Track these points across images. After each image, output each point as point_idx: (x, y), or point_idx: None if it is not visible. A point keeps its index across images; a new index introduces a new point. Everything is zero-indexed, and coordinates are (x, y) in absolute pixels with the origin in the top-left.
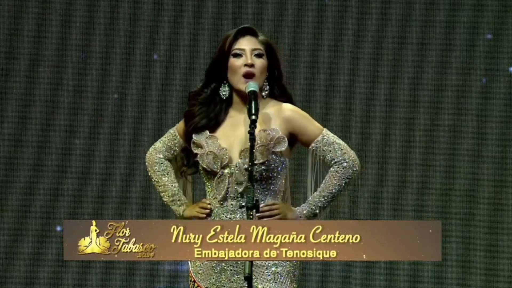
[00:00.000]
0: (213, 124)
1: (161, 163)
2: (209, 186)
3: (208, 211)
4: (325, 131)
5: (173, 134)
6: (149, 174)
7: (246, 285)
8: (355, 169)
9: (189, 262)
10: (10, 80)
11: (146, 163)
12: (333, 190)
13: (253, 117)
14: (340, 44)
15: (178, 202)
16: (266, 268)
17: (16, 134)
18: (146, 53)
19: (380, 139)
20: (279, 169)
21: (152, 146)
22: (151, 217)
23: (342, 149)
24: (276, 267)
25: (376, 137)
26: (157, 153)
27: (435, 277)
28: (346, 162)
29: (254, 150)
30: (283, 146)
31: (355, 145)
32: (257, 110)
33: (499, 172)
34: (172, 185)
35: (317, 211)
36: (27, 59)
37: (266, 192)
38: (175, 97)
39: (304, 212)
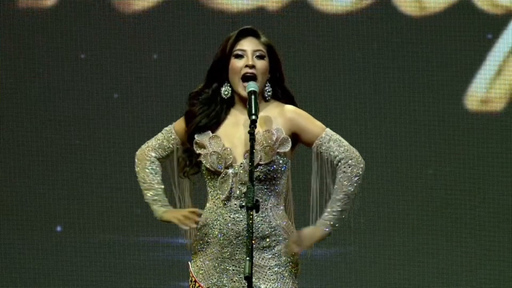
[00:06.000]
0: (214, 123)
1: (152, 162)
2: (212, 186)
3: (194, 224)
4: (328, 129)
5: (169, 131)
6: (136, 169)
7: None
8: (361, 165)
9: (189, 262)
10: (10, 80)
11: (136, 159)
12: (348, 191)
13: (253, 117)
14: (340, 44)
15: (159, 203)
16: (269, 268)
17: (16, 134)
18: (146, 53)
19: (380, 139)
20: (282, 169)
21: (146, 143)
22: (151, 217)
23: (345, 146)
24: (279, 267)
25: (376, 137)
26: (150, 150)
27: (435, 277)
28: (351, 159)
29: (254, 151)
30: (287, 147)
31: (355, 145)
32: (257, 110)
33: (499, 172)
34: (158, 186)
35: (339, 215)
36: (27, 59)
37: (269, 193)
38: (175, 97)
39: (328, 222)
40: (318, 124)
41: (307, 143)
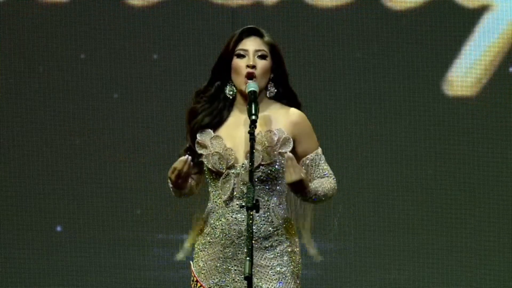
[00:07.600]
0: (217, 122)
1: None
2: (213, 186)
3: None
4: (320, 149)
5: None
6: None
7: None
8: (335, 191)
9: (191, 261)
10: (10, 80)
11: None
12: (330, 188)
13: (253, 117)
14: (340, 44)
15: None
16: (271, 268)
17: (16, 134)
18: (146, 53)
19: (380, 139)
20: (284, 169)
21: None
22: (151, 217)
23: (330, 170)
24: (281, 267)
25: (376, 137)
26: None
27: (435, 277)
28: (334, 180)
29: (255, 151)
30: (289, 147)
31: (355, 145)
32: (257, 110)
33: (499, 172)
34: None
35: (318, 190)
36: (27, 59)
37: (271, 193)
38: (175, 97)
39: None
40: (315, 139)
41: (299, 153)
